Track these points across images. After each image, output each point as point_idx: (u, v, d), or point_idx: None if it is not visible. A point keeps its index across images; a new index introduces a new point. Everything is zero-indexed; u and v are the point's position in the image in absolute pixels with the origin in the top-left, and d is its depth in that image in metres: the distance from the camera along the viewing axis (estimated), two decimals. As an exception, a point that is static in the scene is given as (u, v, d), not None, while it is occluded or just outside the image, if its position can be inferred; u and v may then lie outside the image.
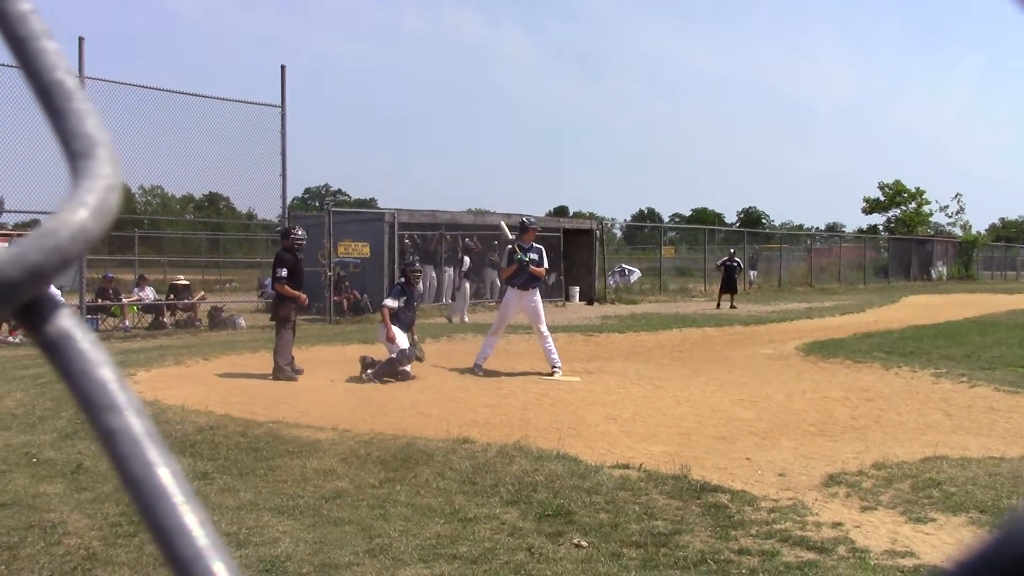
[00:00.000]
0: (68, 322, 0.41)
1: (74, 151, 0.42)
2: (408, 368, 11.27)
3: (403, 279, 12.25)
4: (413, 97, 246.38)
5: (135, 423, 0.40)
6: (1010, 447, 7.37)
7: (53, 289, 0.43)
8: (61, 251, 0.39)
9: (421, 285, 25.07)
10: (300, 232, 12.20)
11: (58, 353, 0.40)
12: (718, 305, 26.68)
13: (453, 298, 23.33)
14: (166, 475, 0.39)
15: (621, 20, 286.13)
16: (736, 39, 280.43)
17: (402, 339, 11.44)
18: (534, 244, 12.33)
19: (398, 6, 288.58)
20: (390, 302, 11.73)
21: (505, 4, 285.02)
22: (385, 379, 11.02)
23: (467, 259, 23.25)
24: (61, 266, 0.39)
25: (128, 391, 0.41)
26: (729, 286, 27.20)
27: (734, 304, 26.58)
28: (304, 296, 11.78)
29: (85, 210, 0.40)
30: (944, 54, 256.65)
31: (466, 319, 21.30)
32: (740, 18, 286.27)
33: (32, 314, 0.40)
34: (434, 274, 25.16)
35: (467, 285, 22.51)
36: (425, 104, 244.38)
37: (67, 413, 8.34)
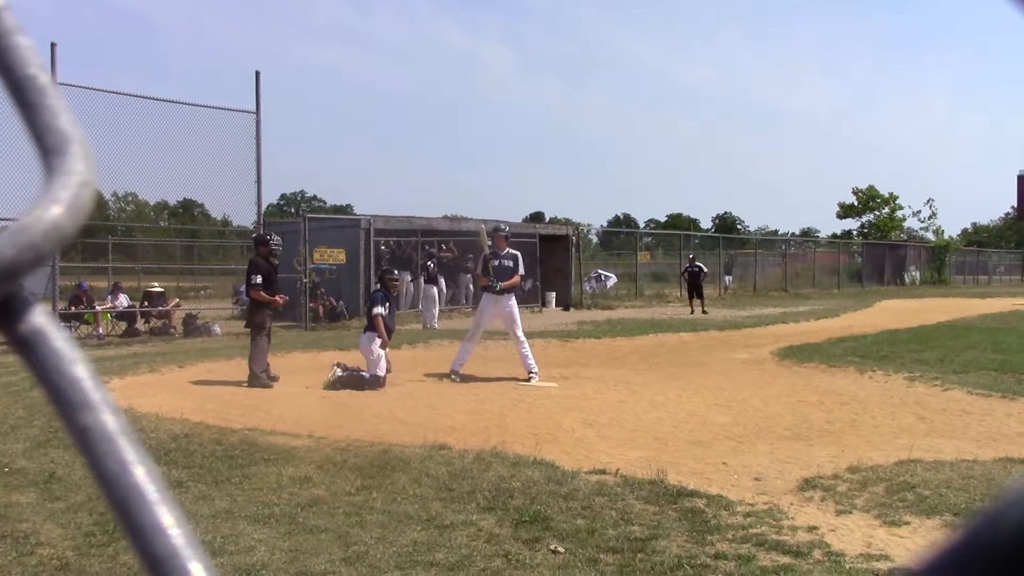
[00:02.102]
0: (41, 319, 0.41)
1: (47, 147, 0.41)
2: (382, 372, 11.25)
3: (380, 286, 12.15)
4: (390, 104, 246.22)
5: (109, 421, 0.39)
6: (983, 450, 7.43)
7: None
8: (34, 248, 0.38)
9: (403, 291, 25.19)
10: (276, 239, 12.18)
11: (31, 351, 0.40)
12: (691, 311, 26.78)
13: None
14: (140, 473, 0.38)
15: (599, 29, 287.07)
16: (712, 47, 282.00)
17: (382, 361, 11.33)
18: (509, 250, 12.34)
19: (376, 13, 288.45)
20: (381, 309, 11.59)
21: (484, 13, 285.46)
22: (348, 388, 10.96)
23: (430, 264, 23.14)
24: (34, 263, 0.38)
25: (102, 389, 0.40)
26: (696, 291, 27.40)
27: (705, 309, 26.72)
28: (278, 299, 11.72)
29: (59, 206, 0.39)
30: (918, 63, 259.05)
31: (435, 325, 21.25)
32: (716, 27, 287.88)
33: (5, 311, 0.40)
34: (410, 280, 25.10)
35: (433, 291, 22.41)
36: (402, 110, 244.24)
37: (40, 422, 8.26)
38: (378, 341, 11.33)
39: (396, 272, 12.68)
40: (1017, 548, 0.29)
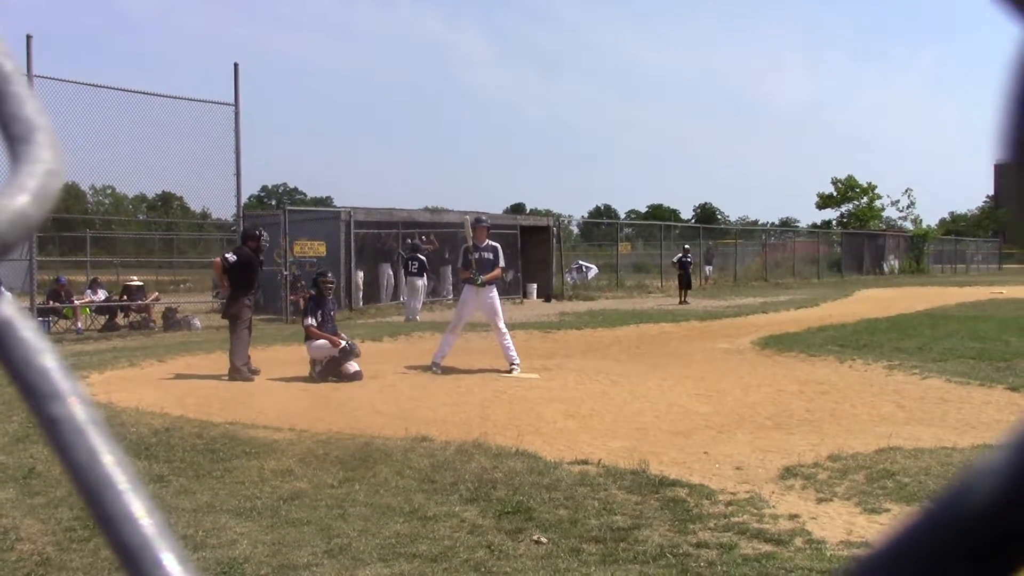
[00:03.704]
0: (9, 310, 0.40)
1: (13, 135, 0.41)
2: (356, 365, 11.21)
3: (315, 291, 12.05)
4: (370, 95, 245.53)
5: (78, 411, 0.39)
6: (961, 437, 7.48)
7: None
8: (0, 237, 0.38)
9: (384, 283, 25.08)
10: (265, 235, 12.23)
11: (-1, 341, 0.39)
12: (680, 301, 26.93)
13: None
14: (111, 463, 0.38)
15: (578, 19, 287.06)
16: (691, 37, 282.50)
17: (338, 341, 11.35)
18: (489, 242, 12.33)
19: (355, 3, 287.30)
20: (311, 320, 11.53)
21: (463, 3, 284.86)
22: (331, 379, 10.97)
23: (419, 256, 22.97)
24: (1, 252, 0.38)
25: (71, 379, 0.40)
26: (687, 281, 27.67)
27: (687, 299, 26.87)
28: (225, 283, 11.78)
29: (25, 195, 0.39)
30: (896, 52, 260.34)
31: (417, 318, 21.17)
32: (695, 17, 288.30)
33: (-29, 302, 0.40)
34: (391, 272, 25.02)
35: (418, 283, 22.27)
36: (382, 102, 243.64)
37: (19, 417, 8.20)
38: (323, 342, 11.30)
39: (330, 274, 12.56)
40: (981, 523, 0.30)
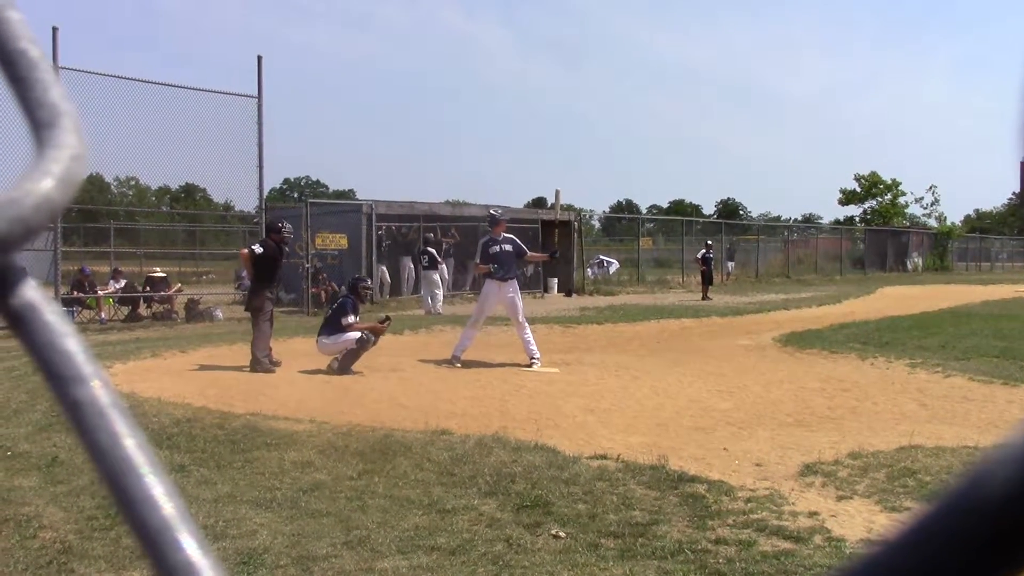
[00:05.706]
0: (34, 294, 0.40)
1: (38, 120, 0.41)
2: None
3: (352, 294, 12.03)
4: (392, 88, 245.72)
5: (101, 394, 0.39)
6: (984, 436, 7.43)
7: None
8: (25, 221, 0.38)
9: (404, 276, 25.12)
10: (288, 227, 12.25)
11: (23, 325, 0.40)
12: (703, 296, 26.82)
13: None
14: (132, 446, 0.38)
15: (599, 11, 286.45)
16: (712, 30, 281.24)
17: (352, 332, 11.38)
18: (505, 235, 12.36)
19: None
20: (353, 319, 11.56)
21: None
22: (355, 370, 11.01)
23: (431, 249, 22.94)
24: (25, 236, 0.38)
25: (94, 362, 0.40)
26: (709, 277, 27.65)
27: (709, 295, 26.79)
28: (249, 266, 11.88)
29: (50, 180, 0.39)
30: (919, 45, 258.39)
31: (440, 310, 21.19)
32: (717, 9, 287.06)
33: (-4, 285, 0.40)
34: (411, 266, 25.07)
35: (434, 276, 22.28)
36: (404, 95, 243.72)
37: (42, 406, 8.28)
38: (354, 335, 11.30)
39: (369, 280, 12.57)
40: (1000, 509, 0.29)
